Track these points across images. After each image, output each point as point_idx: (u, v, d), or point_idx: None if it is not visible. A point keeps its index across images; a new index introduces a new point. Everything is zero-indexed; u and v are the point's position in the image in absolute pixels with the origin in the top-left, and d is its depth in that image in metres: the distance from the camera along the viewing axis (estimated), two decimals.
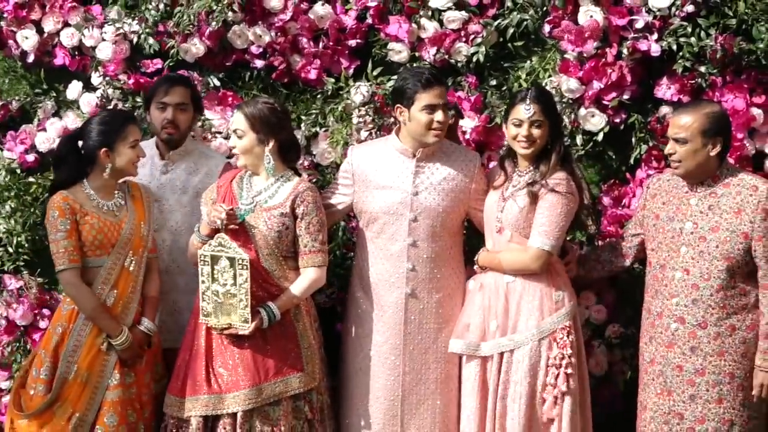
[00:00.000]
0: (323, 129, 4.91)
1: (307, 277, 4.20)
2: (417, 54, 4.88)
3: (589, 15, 4.67)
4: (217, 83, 5.06)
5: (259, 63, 5.01)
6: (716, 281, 3.96)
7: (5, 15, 5.21)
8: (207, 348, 4.17)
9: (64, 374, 4.19)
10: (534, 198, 4.16)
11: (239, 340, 4.13)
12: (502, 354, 4.19)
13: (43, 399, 4.18)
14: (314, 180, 4.77)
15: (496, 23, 4.82)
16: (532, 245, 4.15)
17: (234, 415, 4.12)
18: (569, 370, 4.12)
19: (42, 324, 5.04)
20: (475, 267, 4.36)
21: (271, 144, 4.21)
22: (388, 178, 4.32)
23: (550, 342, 4.14)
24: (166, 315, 4.53)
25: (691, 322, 3.99)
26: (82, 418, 4.19)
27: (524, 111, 4.14)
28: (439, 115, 4.19)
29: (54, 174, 4.46)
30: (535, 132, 4.15)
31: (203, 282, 4.12)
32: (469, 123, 4.75)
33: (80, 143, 4.28)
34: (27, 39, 5.17)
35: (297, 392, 4.18)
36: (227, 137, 4.88)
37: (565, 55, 4.73)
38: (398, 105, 4.28)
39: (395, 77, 4.57)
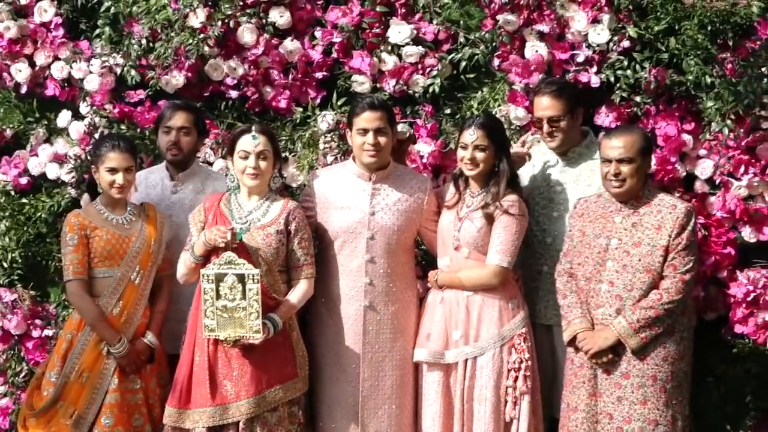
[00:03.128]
0: (292, 154, 5.09)
1: (301, 289, 4.36)
2: (378, 85, 5.08)
3: (535, 50, 4.88)
4: None
5: (233, 93, 5.22)
6: (638, 292, 4.13)
7: (0, 50, 5.39)
8: (211, 361, 4.27)
9: (67, 374, 4.35)
10: (490, 219, 4.35)
11: (242, 352, 4.24)
12: (466, 361, 4.38)
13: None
14: None
15: (450, 57, 5.03)
16: (492, 263, 4.33)
17: (236, 424, 4.25)
18: (528, 373, 4.33)
19: (35, 333, 5.28)
20: (429, 283, 4.52)
21: (278, 165, 4.47)
22: (346, 200, 4.49)
23: (510, 348, 4.35)
24: (174, 323, 4.64)
25: None
26: (81, 415, 4.33)
27: (469, 136, 4.36)
28: (369, 138, 4.41)
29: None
30: (479, 155, 4.35)
31: (207, 300, 4.19)
32: (425, 148, 4.94)
33: None
34: (20, 72, 5.39)
35: (293, 397, 4.34)
36: (206, 161, 5.13)
37: (513, 86, 4.91)
38: (347, 129, 4.55)
39: None
